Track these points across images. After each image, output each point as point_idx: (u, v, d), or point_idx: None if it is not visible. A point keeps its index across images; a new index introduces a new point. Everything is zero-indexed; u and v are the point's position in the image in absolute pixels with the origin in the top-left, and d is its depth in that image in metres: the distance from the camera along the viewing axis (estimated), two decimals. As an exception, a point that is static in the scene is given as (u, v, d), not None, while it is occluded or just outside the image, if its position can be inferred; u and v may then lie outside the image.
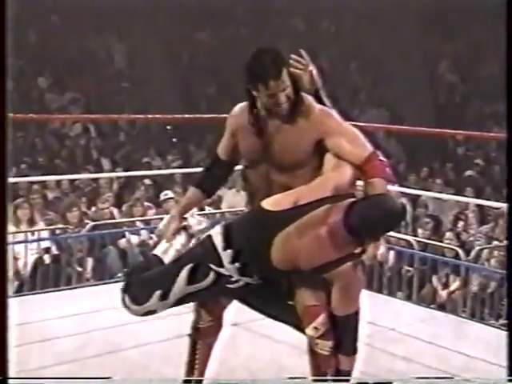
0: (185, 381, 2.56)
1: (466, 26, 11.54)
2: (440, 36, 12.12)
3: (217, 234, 2.33)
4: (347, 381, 2.35)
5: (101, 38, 11.95)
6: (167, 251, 2.47)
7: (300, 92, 2.40)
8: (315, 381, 2.36)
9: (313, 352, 2.39)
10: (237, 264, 2.29)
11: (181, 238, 2.50)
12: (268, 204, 2.32)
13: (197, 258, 2.34)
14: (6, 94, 1.74)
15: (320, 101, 2.49)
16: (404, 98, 11.49)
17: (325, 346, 2.34)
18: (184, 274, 2.32)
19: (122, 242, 5.42)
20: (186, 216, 2.56)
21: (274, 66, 2.32)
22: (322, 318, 2.33)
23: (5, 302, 1.75)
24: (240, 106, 2.49)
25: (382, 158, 2.41)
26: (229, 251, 2.29)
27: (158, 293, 2.34)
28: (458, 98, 11.67)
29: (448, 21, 11.69)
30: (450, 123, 8.79)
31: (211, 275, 2.31)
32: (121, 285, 2.43)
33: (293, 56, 2.52)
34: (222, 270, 2.30)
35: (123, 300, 2.40)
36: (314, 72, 2.54)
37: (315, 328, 2.33)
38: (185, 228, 2.53)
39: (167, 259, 2.45)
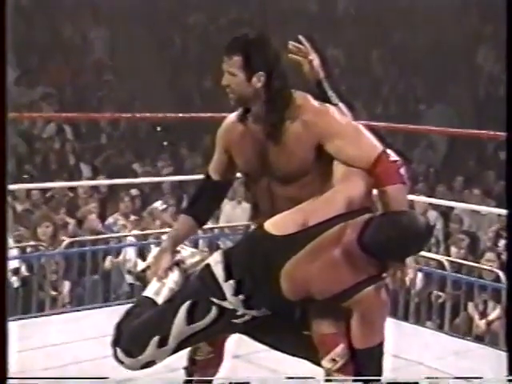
0: (186, 381, 2.66)
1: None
2: (478, 16, 12.17)
3: (216, 262, 2.38)
4: (356, 381, 2.41)
5: (77, 22, 12.04)
6: (160, 291, 2.52)
7: (278, 91, 2.42)
8: (327, 381, 2.43)
9: None
10: (241, 296, 2.35)
11: (174, 275, 2.55)
12: (272, 227, 2.36)
13: (195, 293, 2.40)
14: (6, 94, 1.85)
15: (323, 94, 2.56)
16: (434, 91, 11.57)
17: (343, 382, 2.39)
18: (182, 312, 2.37)
19: (107, 262, 5.50)
20: (177, 249, 2.61)
21: (231, 45, 2.43)
22: (340, 348, 2.39)
23: (4, 300, 1.91)
24: (230, 117, 2.57)
25: (394, 157, 2.41)
26: (231, 282, 2.35)
27: (155, 339, 2.39)
28: (501, 92, 11.73)
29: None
30: (491, 122, 8.85)
31: (213, 310, 2.37)
32: (111, 337, 2.47)
33: (291, 42, 2.61)
34: (225, 304, 2.36)
35: (115, 355, 2.46)
36: (316, 62, 2.62)
37: (333, 360, 2.39)
38: (177, 263, 2.58)
39: (161, 300, 2.50)
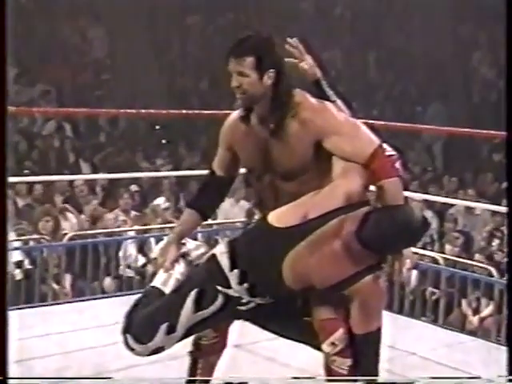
0: (188, 381, 2.75)
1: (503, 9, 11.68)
2: (474, 22, 12.27)
3: (222, 253, 2.48)
4: (355, 381, 2.50)
5: (76, 22, 12.08)
6: (167, 282, 2.62)
7: (284, 89, 2.50)
8: (329, 381, 2.52)
9: (329, 370, 2.52)
10: (246, 285, 2.44)
11: (180, 267, 2.65)
12: (275, 219, 2.46)
13: (202, 282, 2.50)
14: (6, 91, 1.91)
15: (322, 93, 2.65)
16: (430, 95, 11.67)
17: (342, 364, 2.48)
18: (190, 301, 2.47)
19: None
20: (183, 242, 2.70)
21: (242, 46, 2.50)
22: (339, 332, 2.48)
23: (4, 299, 1.95)
24: (233, 115, 2.66)
25: (390, 151, 2.49)
26: (236, 271, 2.45)
27: (163, 327, 2.48)
28: (495, 96, 11.84)
29: (483, 4, 11.86)
30: (485, 125, 8.96)
31: (220, 298, 2.46)
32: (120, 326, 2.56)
33: (288, 44, 2.71)
34: (230, 292, 2.46)
35: (125, 341, 2.55)
36: (311, 63, 2.70)
37: (332, 344, 2.48)
38: (183, 255, 2.68)
39: (168, 290, 2.60)
